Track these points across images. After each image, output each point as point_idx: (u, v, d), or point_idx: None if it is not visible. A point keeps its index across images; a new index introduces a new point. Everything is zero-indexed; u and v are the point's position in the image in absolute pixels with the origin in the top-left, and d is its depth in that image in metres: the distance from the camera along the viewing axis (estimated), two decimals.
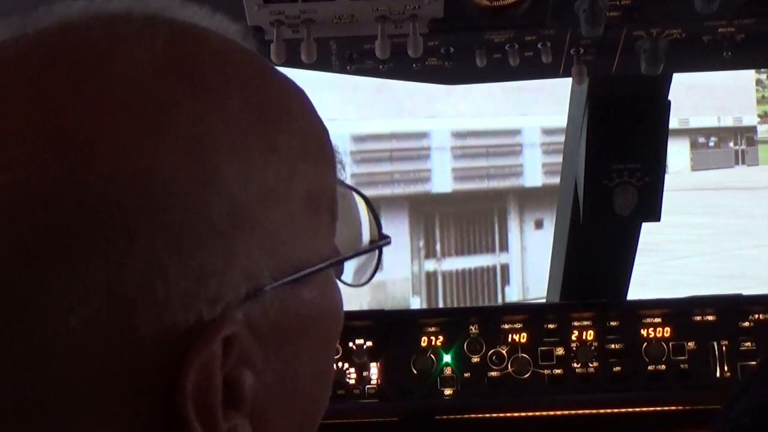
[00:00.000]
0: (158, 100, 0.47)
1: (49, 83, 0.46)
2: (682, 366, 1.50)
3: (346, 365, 1.50)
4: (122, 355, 0.44)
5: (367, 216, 0.64)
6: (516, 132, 8.77)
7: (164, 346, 0.44)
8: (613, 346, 1.50)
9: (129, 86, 0.47)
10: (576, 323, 1.53)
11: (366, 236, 0.64)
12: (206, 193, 0.46)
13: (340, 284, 0.59)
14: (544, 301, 1.86)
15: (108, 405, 0.44)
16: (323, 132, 0.58)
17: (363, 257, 0.63)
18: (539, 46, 1.03)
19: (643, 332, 1.51)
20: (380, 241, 0.62)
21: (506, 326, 1.53)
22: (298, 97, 0.57)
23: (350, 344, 1.51)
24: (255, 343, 0.49)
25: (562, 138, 1.65)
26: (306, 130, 0.55)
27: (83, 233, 0.43)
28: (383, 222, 0.63)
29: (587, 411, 1.53)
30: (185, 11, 0.54)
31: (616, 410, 1.51)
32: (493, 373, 1.52)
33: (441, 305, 8.32)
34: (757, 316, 1.53)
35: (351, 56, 1.04)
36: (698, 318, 1.52)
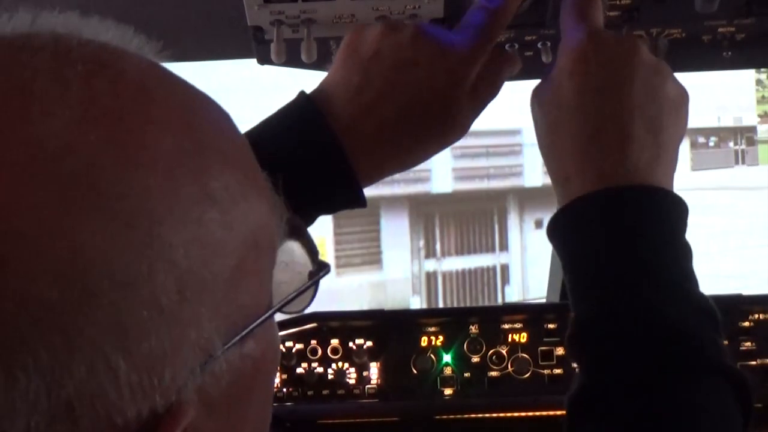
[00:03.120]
0: (75, 168, 0.39)
1: None
2: None
3: (346, 365, 1.50)
4: None
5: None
6: (516, 132, 8.76)
7: None
8: None
9: (43, 150, 0.38)
10: None
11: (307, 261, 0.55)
12: (148, 270, 0.40)
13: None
14: (544, 301, 1.86)
15: None
16: (251, 157, 0.49)
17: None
18: (539, 46, 1.03)
19: None
20: (321, 271, 0.54)
21: (506, 326, 1.53)
22: (226, 124, 0.49)
23: (350, 344, 1.51)
24: (208, 418, 0.44)
25: None
26: (239, 164, 0.47)
27: (13, 341, 0.37)
28: (383, 222, 0.59)
29: None
30: (89, 27, 0.45)
31: None
32: (493, 373, 1.51)
33: (441, 305, 8.30)
34: (757, 316, 1.53)
35: None
36: None
